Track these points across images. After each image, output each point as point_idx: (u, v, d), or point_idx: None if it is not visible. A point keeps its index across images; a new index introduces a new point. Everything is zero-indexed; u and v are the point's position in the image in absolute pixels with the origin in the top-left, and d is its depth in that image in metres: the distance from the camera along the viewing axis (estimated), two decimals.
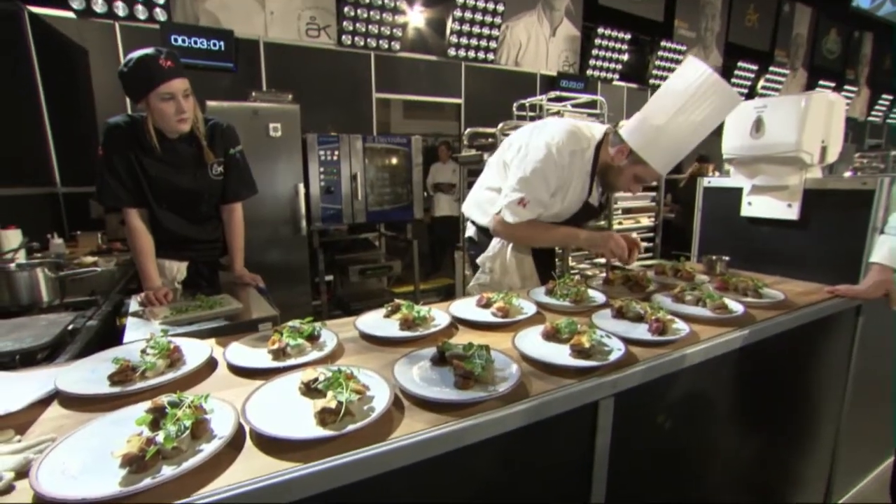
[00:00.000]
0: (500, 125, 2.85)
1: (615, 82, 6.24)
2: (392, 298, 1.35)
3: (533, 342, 1.06)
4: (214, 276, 1.85)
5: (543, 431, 0.86)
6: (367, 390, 0.84)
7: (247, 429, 0.72)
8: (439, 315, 1.26)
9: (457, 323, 1.24)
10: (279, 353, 1.03)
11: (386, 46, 4.60)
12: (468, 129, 3.44)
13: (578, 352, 0.97)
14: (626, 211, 3.51)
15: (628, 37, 5.97)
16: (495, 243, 1.72)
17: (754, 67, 7.62)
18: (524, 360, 0.97)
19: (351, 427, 0.72)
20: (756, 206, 1.81)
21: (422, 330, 1.17)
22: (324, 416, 0.74)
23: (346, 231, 4.15)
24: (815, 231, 1.66)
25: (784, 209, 1.71)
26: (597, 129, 1.59)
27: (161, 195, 1.62)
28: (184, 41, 3.71)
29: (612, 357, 0.95)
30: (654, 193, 3.32)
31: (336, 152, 3.62)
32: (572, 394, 0.86)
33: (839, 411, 1.63)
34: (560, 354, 0.98)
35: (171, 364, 0.98)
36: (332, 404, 0.75)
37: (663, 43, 6.37)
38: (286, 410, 0.78)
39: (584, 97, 3.37)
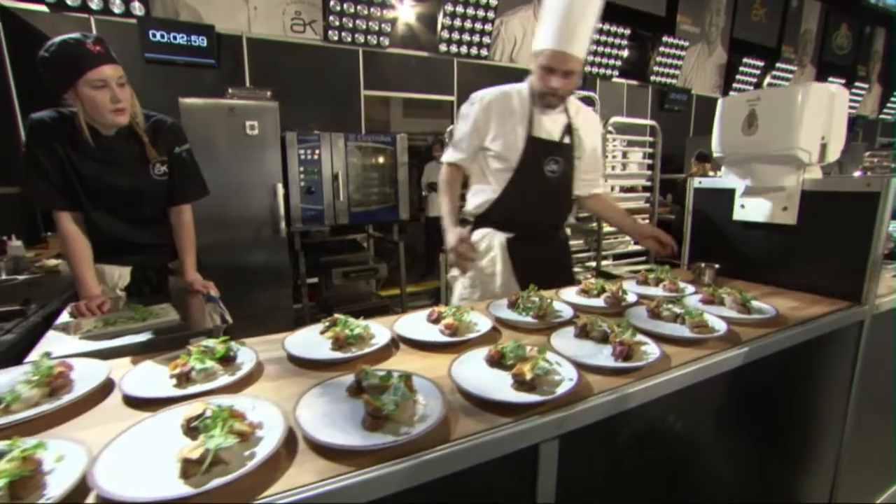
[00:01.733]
0: None
1: (614, 79, 6.06)
2: (379, 301, 1.22)
3: (474, 369, 0.91)
4: (163, 283, 1.72)
5: (471, 480, 0.72)
6: (255, 430, 0.70)
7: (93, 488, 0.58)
8: (380, 332, 1.12)
9: (399, 341, 1.10)
10: (182, 379, 0.89)
11: (374, 42, 4.47)
12: (449, 127, 3.29)
13: (520, 383, 0.82)
14: None
15: (628, 32, 5.79)
16: (474, 238, 1.69)
17: (760, 64, 7.40)
18: (458, 392, 0.83)
19: (215, 483, 0.59)
20: (749, 209, 1.65)
21: (356, 350, 1.03)
22: (186, 468, 0.61)
23: (328, 232, 4.02)
24: (814, 237, 1.49)
25: (779, 213, 1.55)
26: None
27: (96, 196, 1.49)
28: (163, 36, 3.60)
29: (560, 390, 0.81)
30: (648, 194, 3.15)
31: (317, 151, 3.49)
32: (504, 437, 0.72)
33: (839, 439, 1.47)
34: (500, 386, 0.84)
35: (53, 392, 0.85)
36: (196, 453, 0.61)
37: (665, 38, 6.17)
38: (154, 458, 0.65)
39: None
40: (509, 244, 1.68)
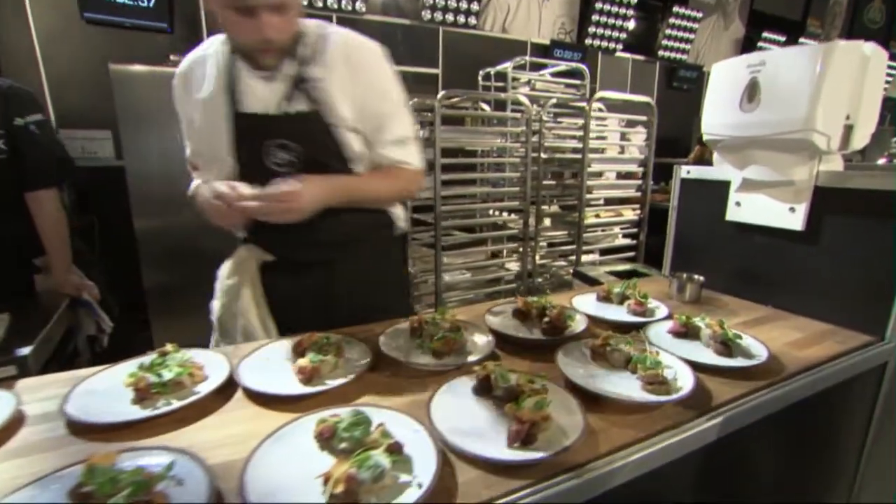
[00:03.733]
0: (440, 94, 2.33)
1: (618, 53, 5.55)
2: None
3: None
4: (25, 283, 1.43)
5: None
6: None
7: None
8: (217, 367, 0.82)
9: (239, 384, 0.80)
10: None
11: (350, 8, 4.05)
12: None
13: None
14: (608, 202, 2.98)
15: (635, 1, 5.26)
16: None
17: (781, 39, 6.80)
18: None
19: None
20: (746, 208, 1.30)
21: (163, 403, 0.73)
22: None
23: None
24: (828, 248, 1.15)
25: (784, 214, 1.20)
26: None
27: None
28: None
29: None
30: (640, 182, 2.77)
31: None
32: None
33: None
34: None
35: None
36: None
37: (675, 9, 5.63)
38: None
39: (563, 65, 2.81)
40: (263, 274, 1.16)
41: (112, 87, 2.64)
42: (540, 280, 2.90)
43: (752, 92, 1.14)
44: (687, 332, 1.01)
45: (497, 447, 0.62)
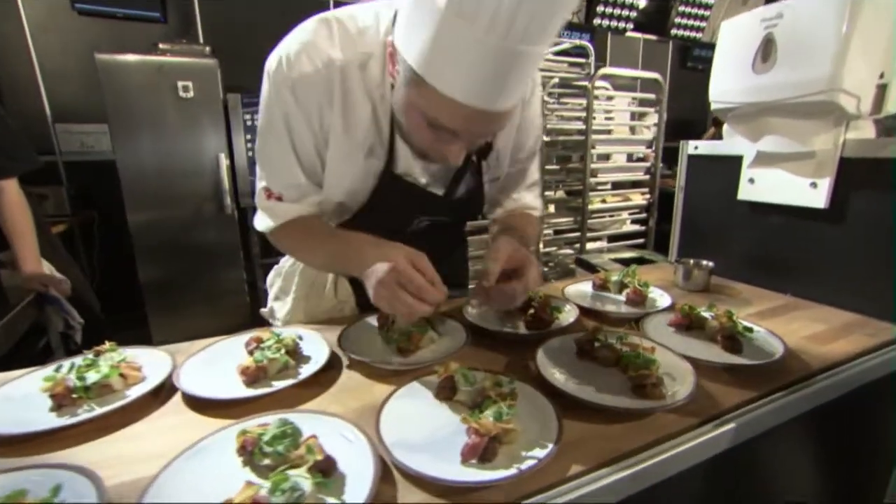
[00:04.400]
0: None
1: (629, 33, 5.32)
2: None
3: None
4: None
5: None
6: None
7: None
8: (159, 367, 0.74)
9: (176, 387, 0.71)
10: None
11: None
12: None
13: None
14: (616, 186, 2.83)
15: None
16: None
17: None
18: None
19: None
20: (761, 185, 1.17)
21: (85, 409, 0.65)
22: None
23: None
24: (855, 225, 1.01)
25: (804, 190, 1.06)
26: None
27: None
28: None
29: None
30: (648, 164, 2.62)
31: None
32: None
33: None
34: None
35: None
36: None
37: None
38: None
39: (565, 43, 2.65)
40: None
41: (100, 77, 2.58)
42: (546, 269, 2.78)
43: (766, 50, 1.00)
44: (690, 324, 0.89)
45: (450, 465, 0.52)
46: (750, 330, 0.80)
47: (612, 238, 2.74)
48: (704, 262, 1.19)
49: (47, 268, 1.39)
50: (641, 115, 2.78)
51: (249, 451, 0.53)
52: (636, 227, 2.69)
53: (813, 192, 1.04)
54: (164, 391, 0.72)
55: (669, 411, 0.63)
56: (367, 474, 0.49)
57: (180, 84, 2.73)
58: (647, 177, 2.61)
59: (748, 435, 0.65)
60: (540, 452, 0.53)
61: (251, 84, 3.41)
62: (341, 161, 0.83)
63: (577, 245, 2.55)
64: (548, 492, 0.50)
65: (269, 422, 0.55)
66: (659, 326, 0.90)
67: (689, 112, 5.12)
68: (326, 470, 0.50)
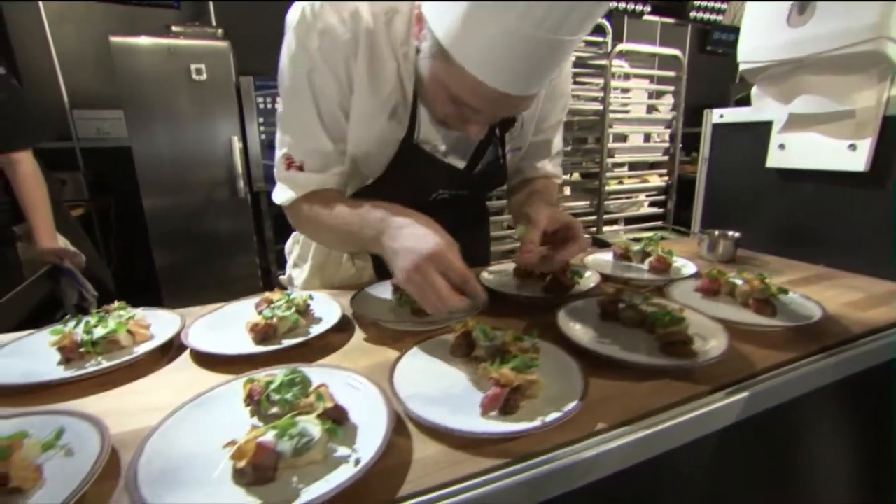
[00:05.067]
0: None
1: (646, 16, 5.17)
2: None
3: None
4: (7, 250, 1.38)
5: None
6: None
7: None
8: (168, 326, 0.72)
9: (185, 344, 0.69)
10: None
11: None
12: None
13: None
14: (633, 167, 2.75)
15: None
16: None
17: None
18: None
19: None
20: (793, 151, 1.10)
21: (93, 363, 0.64)
22: None
23: None
24: None
25: (842, 153, 1.00)
26: None
27: None
28: None
29: None
30: (667, 145, 2.54)
31: (278, 99, 3.02)
32: None
33: None
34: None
35: None
36: None
37: None
38: None
39: None
40: None
41: (114, 61, 2.59)
42: None
43: (803, 2, 0.94)
44: (719, 289, 0.84)
45: (469, 418, 0.49)
46: (785, 291, 0.76)
47: (628, 221, 2.67)
48: (730, 233, 1.13)
49: (62, 241, 1.40)
50: (659, 95, 2.70)
51: (256, 400, 0.50)
52: (654, 210, 2.62)
53: (851, 155, 0.98)
54: (172, 349, 0.71)
55: (703, 370, 0.59)
56: (381, 425, 0.46)
57: (193, 67, 2.72)
58: (666, 157, 2.53)
59: (784, 397, 0.61)
60: (564, 407, 0.49)
61: (264, 68, 3.40)
62: (364, 122, 0.79)
63: (594, 228, 2.49)
64: (573, 445, 0.47)
65: (277, 373, 0.53)
66: (686, 292, 0.85)
67: (708, 97, 4.94)
68: (337, 419, 0.47)
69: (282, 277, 1.10)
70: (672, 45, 5.50)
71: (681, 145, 2.53)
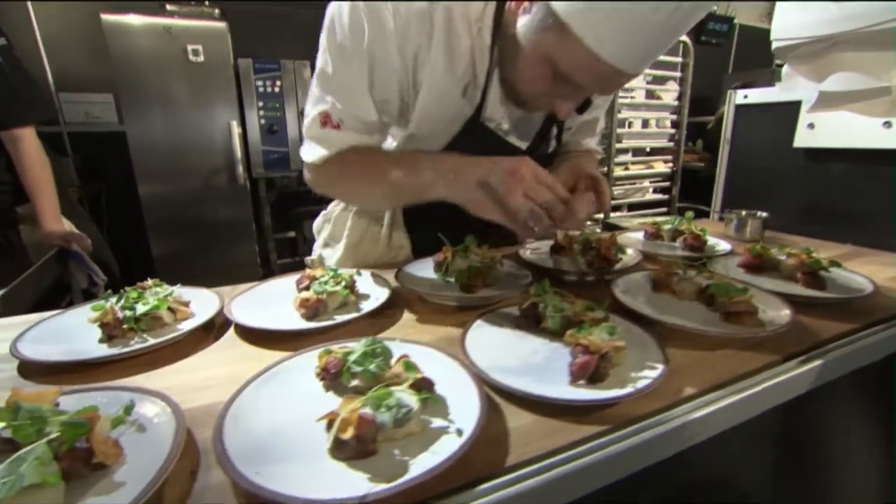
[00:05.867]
0: None
1: None
2: None
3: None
4: (10, 233, 1.31)
5: None
6: None
7: None
8: (205, 305, 0.69)
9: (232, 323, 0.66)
10: None
11: None
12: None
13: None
14: (637, 153, 2.76)
15: None
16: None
17: None
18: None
19: None
20: (822, 130, 1.11)
21: (137, 340, 0.60)
22: None
23: (297, 179, 3.55)
24: None
25: (875, 131, 1.00)
26: None
27: None
28: None
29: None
30: (673, 131, 2.54)
31: (278, 83, 2.96)
32: None
33: None
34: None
35: None
36: None
37: None
38: None
39: None
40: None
41: (106, 41, 2.48)
42: None
43: None
44: (762, 264, 0.84)
45: (557, 386, 0.48)
46: (837, 264, 0.76)
47: (633, 207, 2.69)
48: (758, 213, 1.13)
49: (67, 224, 1.34)
50: (663, 81, 2.70)
51: (333, 374, 0.48)
52: (659, 196, 2.63)
53: (885, 133, 0.98)
54: (215, 327, 0.68)
55: (769, 340, 0.58)
56: (471, 394, 0.45)
57: (190, 48, 2.63)
58: (671, 143, 2.54)
59: (852, 367, 0.61)
60: (651, 373, 0.48)
61: (262, 51, 3.30)
62: (438, 100, 0.76)
63: (601, 215, 2.49)
64: (673, 409, 0.45)
65: (351, 345, 0.51)
66: (729, 268, 0.85)
67: (703, 88, 4.96)
68: (426, 389, 0.45)
69: (309, 259, 1.07)
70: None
71: (685, 132, 2.54)
